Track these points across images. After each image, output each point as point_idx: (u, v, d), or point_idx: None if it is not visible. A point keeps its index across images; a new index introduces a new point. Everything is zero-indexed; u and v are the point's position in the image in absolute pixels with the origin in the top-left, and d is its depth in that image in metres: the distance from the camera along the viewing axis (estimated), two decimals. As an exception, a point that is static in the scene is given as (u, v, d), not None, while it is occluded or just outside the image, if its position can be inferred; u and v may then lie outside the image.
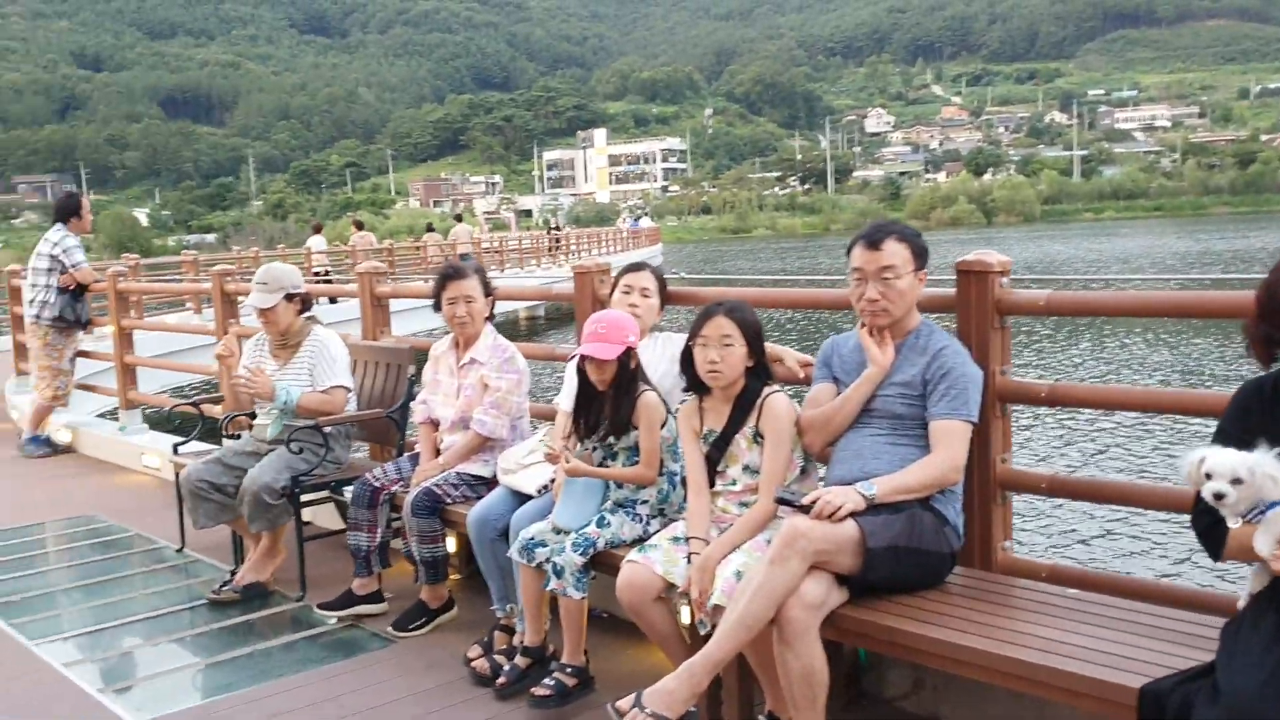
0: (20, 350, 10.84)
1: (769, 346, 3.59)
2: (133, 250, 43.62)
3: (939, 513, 3.16)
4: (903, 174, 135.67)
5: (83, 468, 8.36)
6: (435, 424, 4.72)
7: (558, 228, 40.27)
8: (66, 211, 8.76)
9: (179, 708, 3.92)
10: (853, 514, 2.97)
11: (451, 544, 4.64)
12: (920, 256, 3.32)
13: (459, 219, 35.09)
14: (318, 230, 27.15)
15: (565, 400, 4.06)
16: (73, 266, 8.52)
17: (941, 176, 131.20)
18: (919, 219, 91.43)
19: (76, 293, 8.65)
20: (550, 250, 37.01)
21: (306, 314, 5.29)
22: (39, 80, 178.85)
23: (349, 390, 5.20)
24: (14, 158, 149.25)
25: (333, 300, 18.64)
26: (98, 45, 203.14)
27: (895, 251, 3.27)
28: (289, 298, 5.15)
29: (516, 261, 34.43)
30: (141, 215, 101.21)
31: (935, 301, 3.59)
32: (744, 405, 3.43)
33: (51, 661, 4.37)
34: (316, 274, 24.05)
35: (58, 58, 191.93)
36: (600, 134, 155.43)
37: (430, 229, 34.62)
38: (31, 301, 8.68)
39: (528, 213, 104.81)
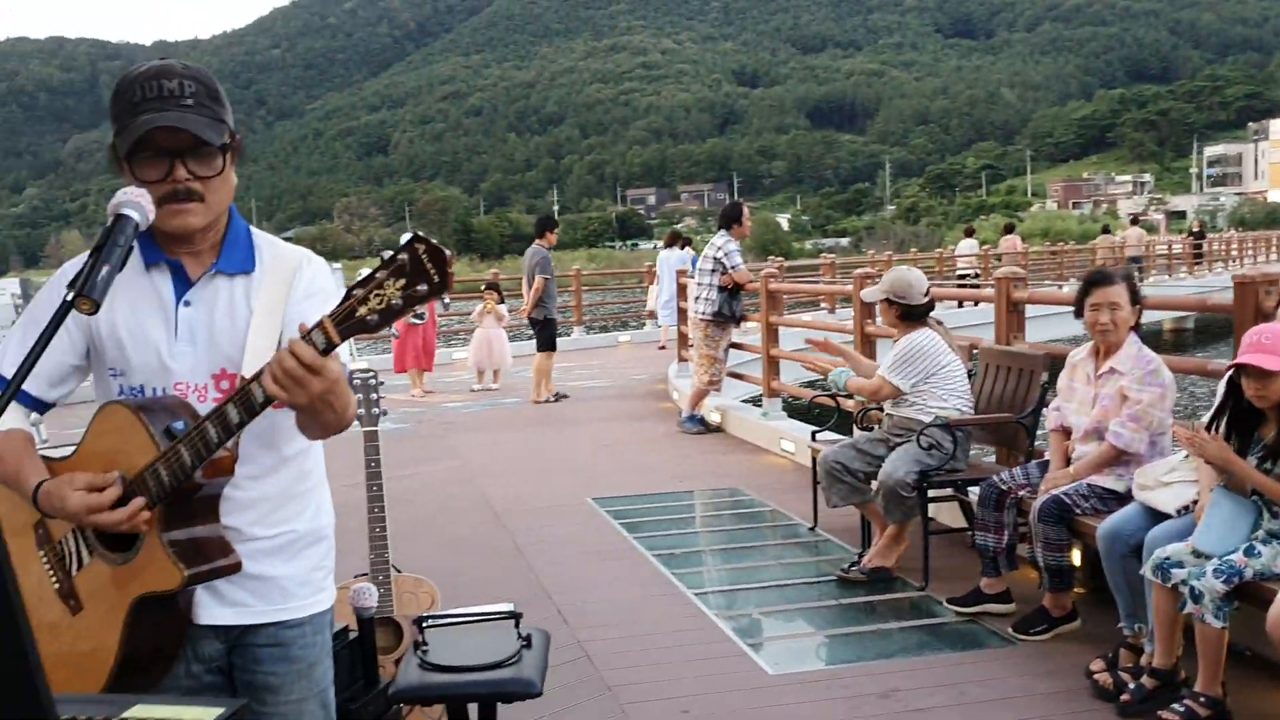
0: (683, 340, 12.39)
1: None
2: (774, 253, 47.23)
3: None
4: None
5: (729, 446, 9.35)
6: (1067, 432, 4.65)
7: (1200, 233, 36.20)
8: (730, 219, 9.85)
9: (807, 668, 4.34)
10: None
11: (1076, 556, 4.55)
12: None
13: (1134, 222, 33.27)
14: (970, 234, 27.22)
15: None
16: (732, 268, 9.53)
17: None
18: None
19: (734, 292, 9.67)
20: (1191, 256, 33.40)
21: (917, 318, 5.48)
22: (704, 98, 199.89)
23: (897, 388, 5.35)
24: (679, 169, 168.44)
25: (970, 304, 18.73)
26: (755, 63, 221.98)
27: None
28: (889, 302, 5.44)
29: (1165, 268, 31.75)
30: (783, 220, 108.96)
31: None
32: None
33: (705, 610, 5.02)
34: (963, 277, 24.27)
35: (721, 77, 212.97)
36: (1277, 125, 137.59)
37: (1106, 230, 34.40)
38: (696, 299, 9.87)
39: (1180, 214, 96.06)
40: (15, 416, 2.01)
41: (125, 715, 1.22)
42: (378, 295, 1.67)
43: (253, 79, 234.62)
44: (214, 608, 2.04)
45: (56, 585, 2.00)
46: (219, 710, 1.22)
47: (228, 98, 2.08)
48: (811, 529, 6.39)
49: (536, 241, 12.04)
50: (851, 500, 5.53)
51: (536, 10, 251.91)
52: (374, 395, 3.42)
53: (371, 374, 3.46)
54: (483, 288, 14.42)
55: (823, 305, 21.29)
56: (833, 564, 5.64)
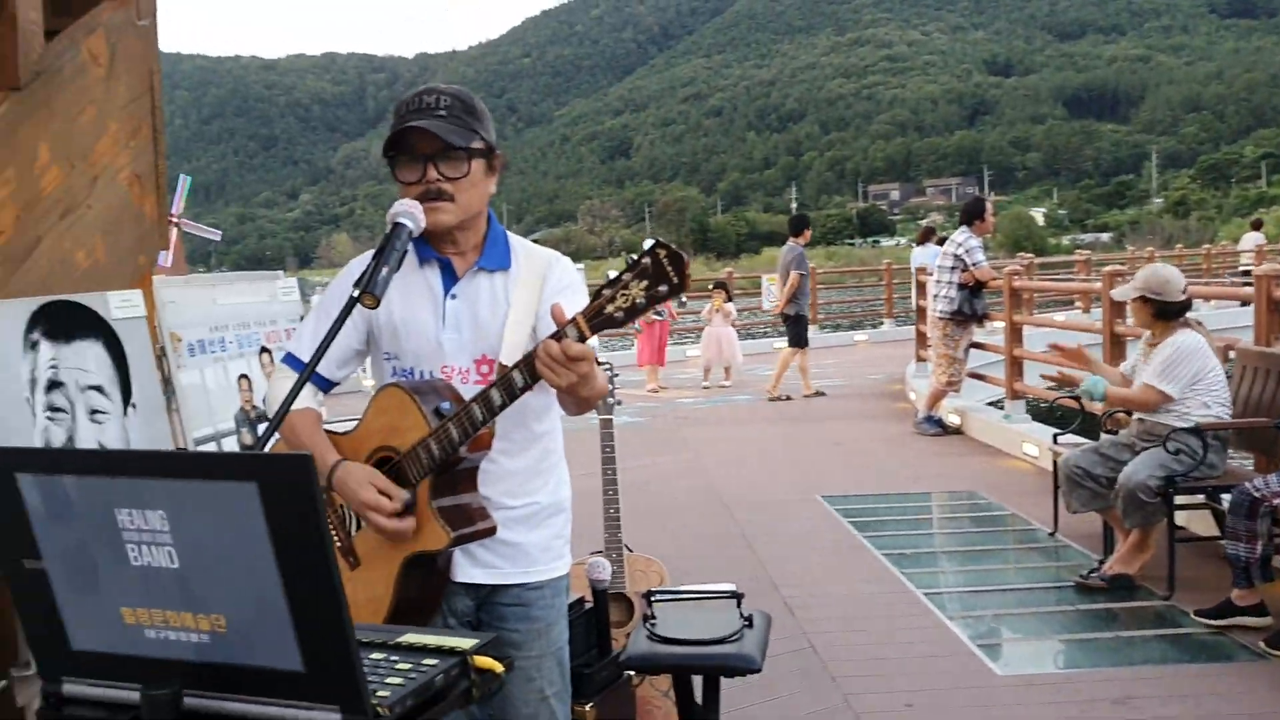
0: (921, 339, 12.18)
1: None
2: (1027, 249, 45.23)
3: None
4: None
5: (968, 449, 9.16)
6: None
7: None
8: (972, 214, 9.64)
9: (1038, 671, 4.28)
10: None
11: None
12: None
13: None
14: (1257, 226, 25.26)
15: None
16: (973, 265, 9.33)
17: None
18: None
19: (975, 289, 9.47)
20: None
21: (1173, 316, 5.22)
22: (953, 89, 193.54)
23: (1167, 395, 5.04)
24: (925, 163, 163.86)
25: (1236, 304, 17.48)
26: (1009, 51, 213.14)
27: None
28: (1144, 300, 5.18)
29: None
30: (1038, 214, 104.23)
31: None
32: None
33: (935, 610, 5.01)
34: (1246, 272, 22.69)
35: (971, 67, 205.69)
36: None
37: None
38: (935, 296, 9.72)
39: None
40: (306, 395, 2.32)
41: (400, 639, 1.45)
42: (624, 295, 1.88)
43: (505, 87, 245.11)
44: (469, 568, 2.29)
45: (338, 544, 2.30)
46: (475, 640, 1.43)
47: (487, 106, 2.34)
48: (1051, 534, 6.22)
49: (792, 239, 12.16)
50: (1093, 506, 5.37)
51: (779, 8, 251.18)
52: (610, 386, 3.65)
53: (608, 366, 3.70)
54: (710, 287, 14.65)
55: (1076, 304, 20.36)
56: (1072, 570, 5.49)
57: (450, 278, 2.29)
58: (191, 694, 1.25)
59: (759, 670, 2.85)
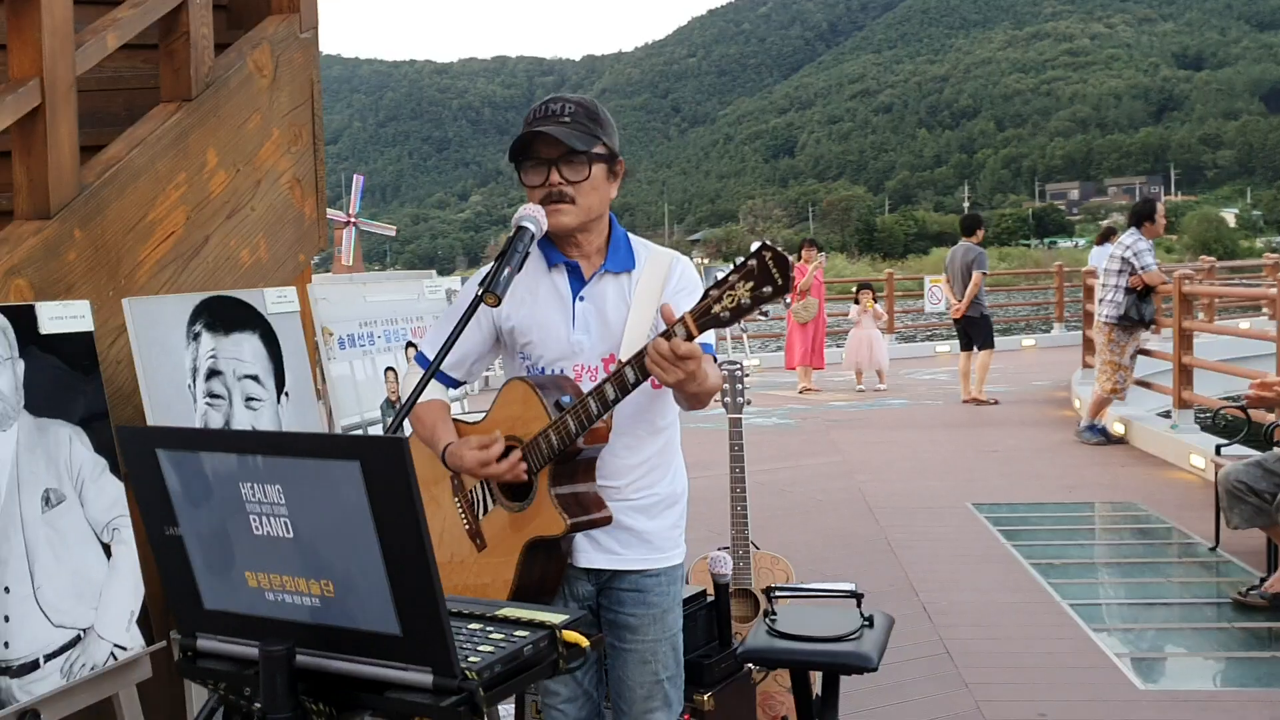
0: (1088, 345, 11.74)
1: None
2: (1216, 252, 42.87)
3: None
4: None
5: (1131, 459, 8.81)
6: None
7: None
8: (1141, 216, 9.26)
9: (1186, 688, 4.14)
10: None
11: None
12: None
13: None
14: None
15: None
16: (1142, 269, 8.97)
17: None
18: None
19: (1144, 294, 9.09)
20: None
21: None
22: (1138, 84, 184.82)
23: None
24: (1107, 161, 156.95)
25: None
26: (1200, 44, 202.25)
27: None
28: None
29: None
30: (1229, 215, 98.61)
31: None
32: None
33: (1079, 621, 4.88)
34: None
35: (1159, 60, 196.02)
36: None
37: None
38: (1101, 301, 9.37)
39: None
40: (435, 389, 2.47)
41: (498, 612, 1.56)
42: (730, 295, 1.96)
43: (670, 87, 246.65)
44: (590, 553, 2.40)
45: (466, 526, 2.44)
46: (565, 615, 1.53)
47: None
48: (1212, 549, 5.96)
49: (965, 239, 11.90)
50: (1255, 523, 5.12)
51: (953, 3, 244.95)
52: (739, 385, 3.71)
53: (737, 365, 3.76)
54: (855, 289, 14.42)
55: (1264, 310, 19.23)
56: (1231, 586, 5.26)
57: (578, 280, 2.40)
58: (303, 652, 1.39)
59: (874, 669, 2.87)
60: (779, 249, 1.92)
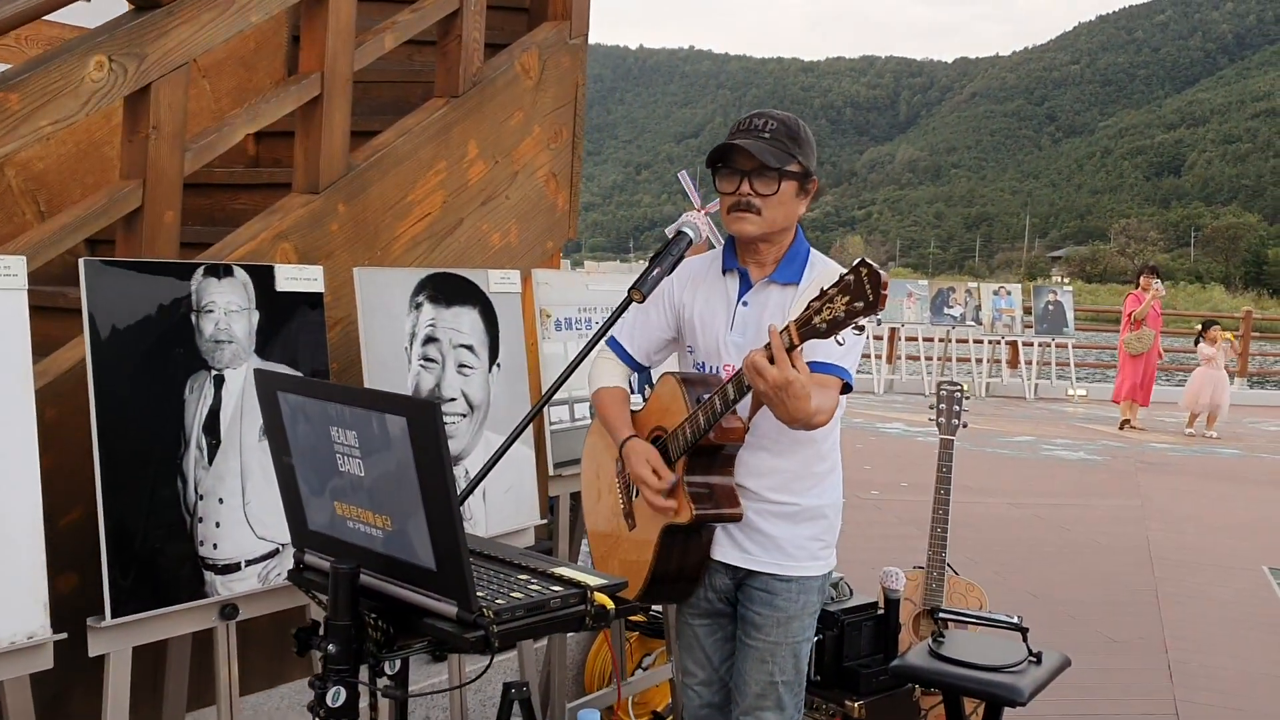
0: None
1: None
2: None
3: None
4: None
5: None
6: None
7: None
8: None
9: None
10: None
11: None
12: None
13: None
14: None
15: None
16: None
17: None
18: None
19: None
20: None
21: None
22: None
23: None
24: None
25: None
26: None
27: None
28: None
29: None
30: None
31: None
32: None
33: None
34: None
35: None
36: None
37: None
38: None
39: None
40: (619, 374, 2.68)
41: (550, 569, 1.75)
42: (828, 308, 2.03)
43: (1046, 95, 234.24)
44: (727, 548, 2.53)
45: (622, 506, 2.64)
46: (603, 580, 1.70)
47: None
48: None
49: None
50: None
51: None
52: (956, 407, 3.67)
53: (957, 387, 3.72)
54: (1198, 326, 13.16)
55: None
56: None
57: (745, 286, 2.54)
58: (368, 574, 1.65)
59: (1022, 704, 2.81)
60: (876, 266, 1.97)
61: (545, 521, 3.35)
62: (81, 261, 2.28)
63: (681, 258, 2.41)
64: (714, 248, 2.63)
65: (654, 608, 3.74)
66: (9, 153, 2.53)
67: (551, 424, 3.34)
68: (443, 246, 3.51)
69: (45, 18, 3.03)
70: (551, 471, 3.35)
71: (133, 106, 2.77)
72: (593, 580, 1.70)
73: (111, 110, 3.03)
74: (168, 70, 2.74)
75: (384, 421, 1.54)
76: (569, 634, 3.60)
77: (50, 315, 2.98)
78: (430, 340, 2.94)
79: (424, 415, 1.49)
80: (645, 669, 3.83)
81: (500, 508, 3.11)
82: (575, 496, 3.29)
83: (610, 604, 1.66)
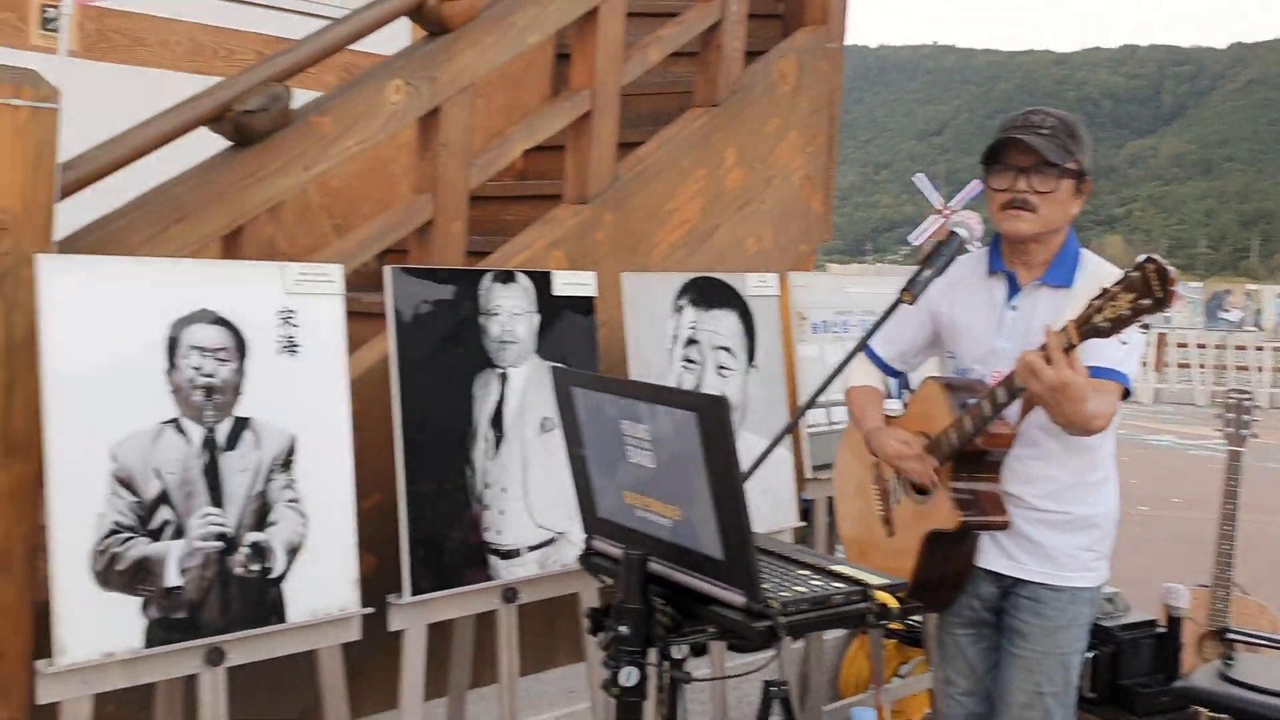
0: None
1: None
2: None
3: None
4: None
5: None
6: None
7: None
8: None
9: None
10: None
11: None
12: None
13: None
14: None
15: None
16: None
17: None
18: None
19: None
20: None
21: None
22: None
23: None
24: None
25: None
26: None
27: None
28: None
29: None
30: None
31: None
32: None
33: None
34: None
35: None
36: None
37: None
38: None
39: None
40: (874, 375, 2.68)
41: (831, 567, 1.79)
42: (1111, 306, 1.98)
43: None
44: (994, 555, 2.48)
45: (881, 512, 2.63)
46: (885, 580, 1.72)
47: (1088, 136, 2.45)
48: None
49: None
50: None
51: None
52: (1245, 416, 3.45)
53: (1247, 395, 3.50)
54: None
55: None
56: None
57: (1013, 289, 2.48)
58: (657, 561, 1.73)
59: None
60: (1163, 262, 1.89)
61: (803, 525, 3.38)
62: (387, 269, 2.49)
63: (954, 258, 2.39)
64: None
65: (913, 616, 3.69)
66: (321, 172, 2.79)
67: (809, 426, 3.37)
68: (700, 251, 3.60)
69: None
70: (809, 474, 3.37)
71: (425, 126, 2.99)
72: (873, 579, 1.72)
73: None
74: (456, 91, 2.95)
75: (674, 416, 1.62)
76: (824, 638, 3.62)
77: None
78: (691, 342, 3.03)
79: (714, 410, 1.55)
80: (903, 677, 3.79)
81: (756, 510, 3.13)
82: (833, 500, 3.30)
83: (893, 602, 1.68)
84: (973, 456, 2.38)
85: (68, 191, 2.33)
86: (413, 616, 2.47)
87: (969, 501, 2.39)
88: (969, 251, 2.57)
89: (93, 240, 2.42)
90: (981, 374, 2.49)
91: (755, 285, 3.16)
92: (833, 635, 3.70)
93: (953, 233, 2.40)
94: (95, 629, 2.02)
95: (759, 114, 3.74)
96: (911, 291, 2.32)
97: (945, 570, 2.49)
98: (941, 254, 2.37)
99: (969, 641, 2.60)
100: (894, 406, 2.71)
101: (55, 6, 3.56)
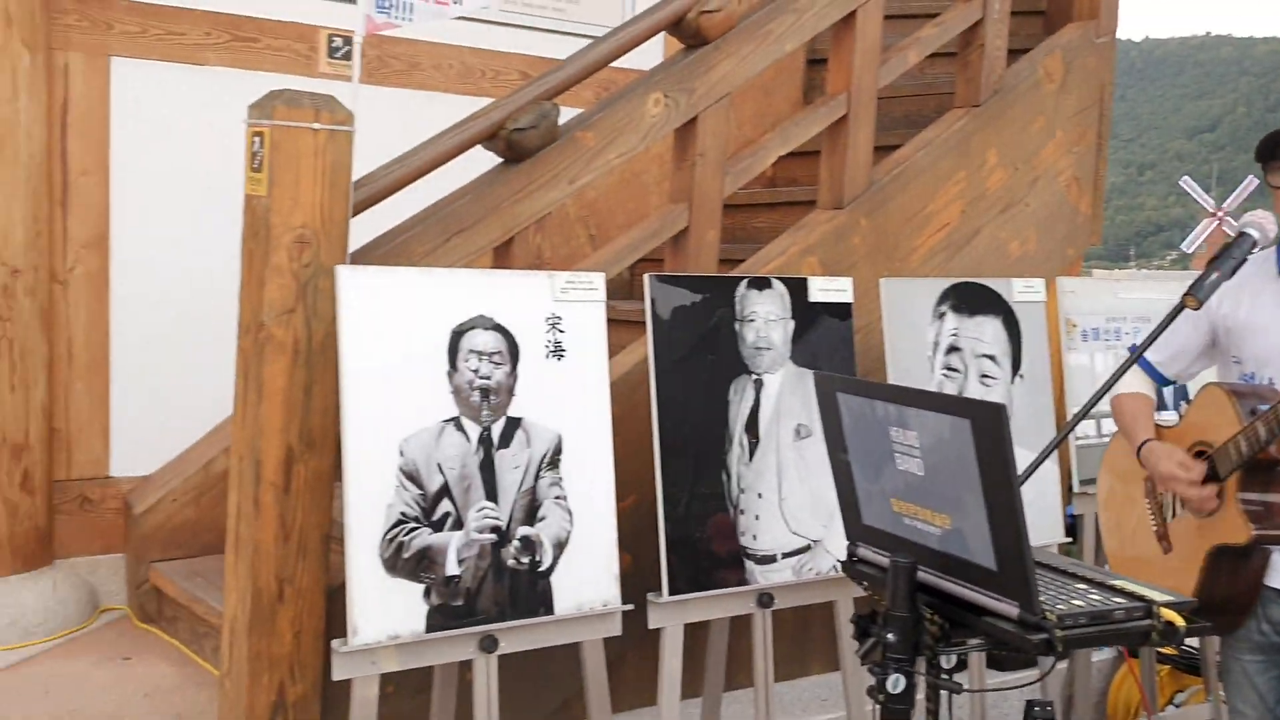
0: None
1: None
2: None
3: None
4: None
5: None
6: None
7: None
8: None
9: None
10: None
11: None
12: None
13: None
14: None
15: None
16: None
17: None
18: None
19: None
20: None
21: None
22: None
23: None
24: None
25: None
26: None
27: None
28: None
29: None
30: None
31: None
32: None
33: None
34: None
35: None
36: None
37: None
38: None
39: None
40: (1144, 383, 2.52)
41: (1110, 581, 1.70)
42: None
43: None
44: None
45: (1155, 528, 2.48)
46: (1170, 597, 1.62)
47: None
48: None
49: None
50: None
51: None
52: None
53: None
54: None
55: None
56: None
57: None
58: (925, 570, 1.70)
59: None
60: None
61: (1068, 541, 3.23)
62: (647, 277, 2.56)
63: (1244, 260, 2.22)
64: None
65: (1189, 640, 3.46)
66: (584, 184, 2.90)
67: (1077, 439, 3.21)
68: (960, 256, 3.50)
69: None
70: (1076, 488, 3.22)
71: (681, 136, 3.06)
72: (1158, 595, 1.63)
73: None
74: (713, 101, 3.00)
75: (946, 423, 1.58)
76: (1092, 659, 3.44)
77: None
78: (953, 350, 2.95)
79: (990, 417, 1.51)
80: (1178, 706, 3.55)
81: (1022, 522, 3.04)
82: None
83: (1180, 621, 1.58)
84: (1265, 466, 2.21)
85: (359, 208, 2.53)
86: (671, 615, 2.52)
87: (1261, 514, 2.22)
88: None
89: (382, 253, 2.60)
90: (1271, 379, 2.31)
91: (1021, 291, 3.05)
92: (1100, 657, 3.51)
93: (1243, 233, 2.23)
94: (382, 613, 2.17)
95: (1022, 114, 3.61)
96: (1196, 296, 2.17)
97: (1232, 590, 2.32)
98: (1231, 256, 2.20)
99: (1257, 669, 2.40)
100: (1168, 417, 2.55)
101: (342, 36, 3.85)
